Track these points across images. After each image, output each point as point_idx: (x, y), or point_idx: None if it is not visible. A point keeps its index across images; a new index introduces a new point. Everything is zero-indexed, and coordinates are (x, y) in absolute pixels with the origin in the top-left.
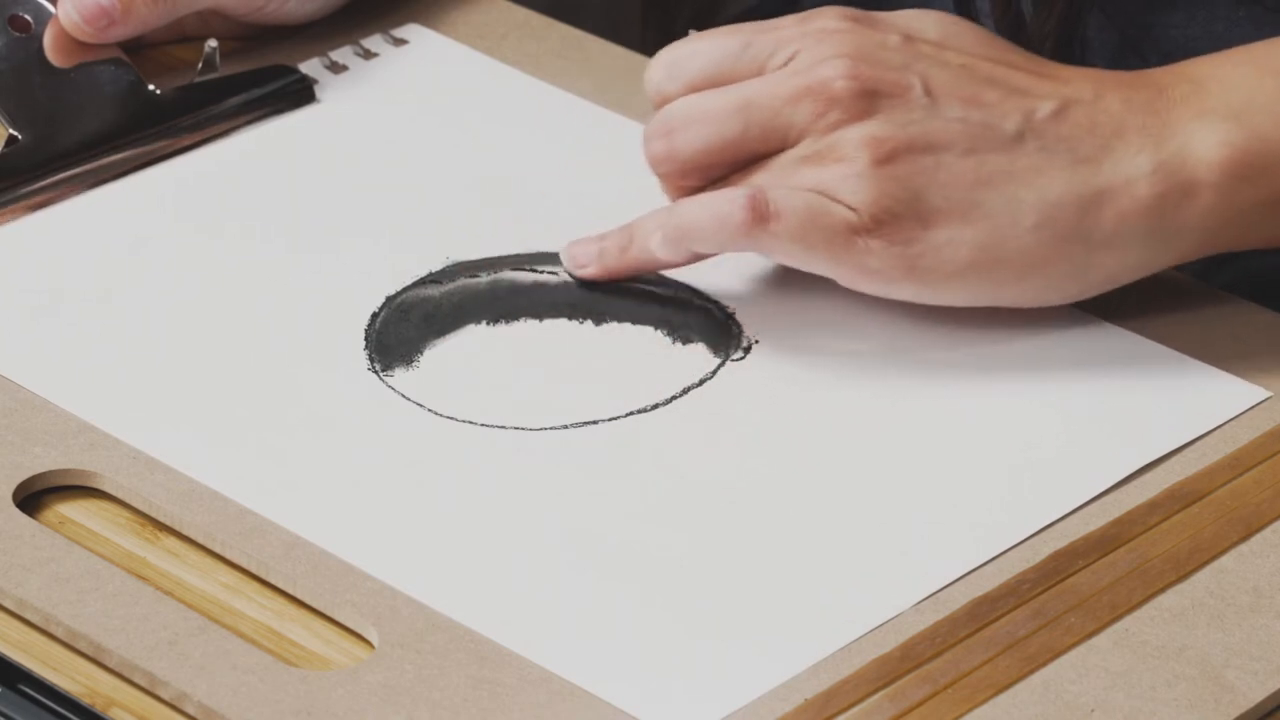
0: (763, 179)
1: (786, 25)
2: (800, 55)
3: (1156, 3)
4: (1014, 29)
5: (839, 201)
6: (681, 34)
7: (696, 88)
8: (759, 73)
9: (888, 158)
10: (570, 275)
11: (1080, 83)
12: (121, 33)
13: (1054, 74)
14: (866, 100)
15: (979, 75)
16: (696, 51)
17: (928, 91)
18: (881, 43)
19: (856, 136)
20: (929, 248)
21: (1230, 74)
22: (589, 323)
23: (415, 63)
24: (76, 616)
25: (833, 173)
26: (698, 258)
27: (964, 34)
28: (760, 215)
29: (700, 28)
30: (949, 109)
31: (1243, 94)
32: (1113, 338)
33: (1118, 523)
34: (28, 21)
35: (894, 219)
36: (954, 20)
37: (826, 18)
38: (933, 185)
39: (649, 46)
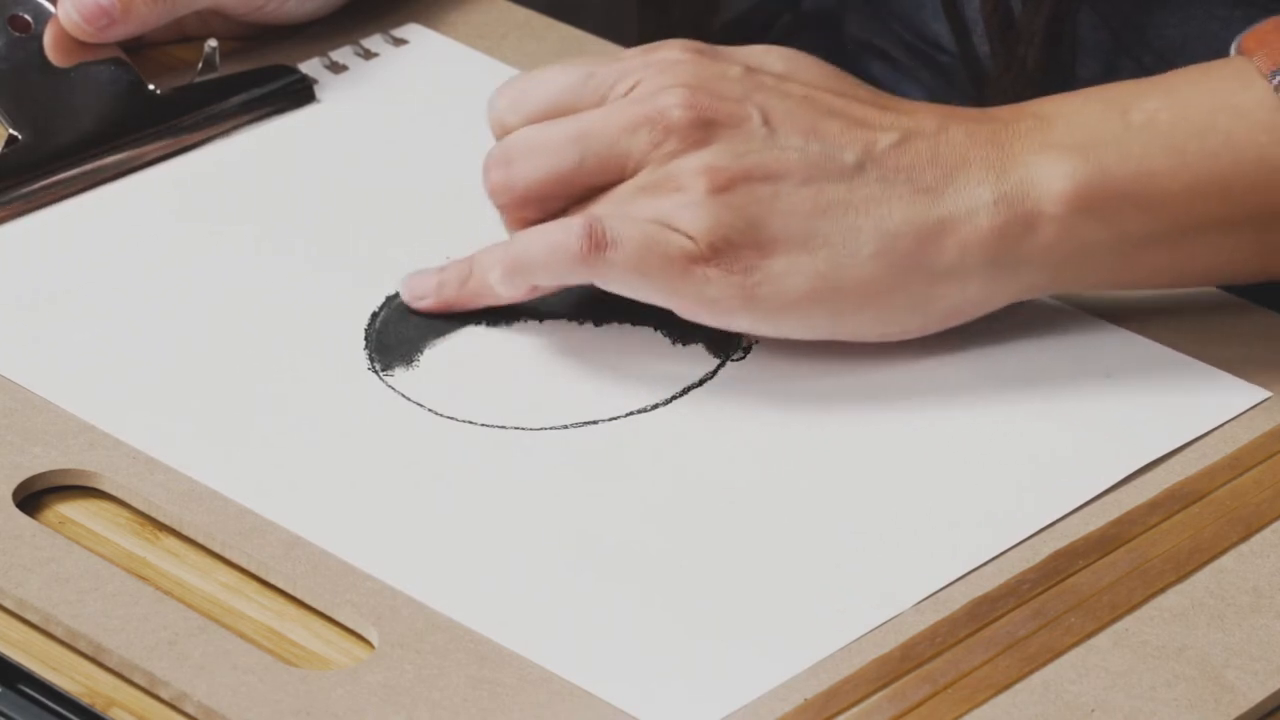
0: (600, 209)
1: (630, 56)
2: (640, 85)
3: (1151, 2)
4: (1003, 25)
5: (677, 230)
6: (682, 35)
7: (536, 119)
8: (600, 103)
9: (724, 186)
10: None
11: (924, 116)
12: (121, 32)
13: (897, 107)
14: (703, 130)
15: (820, 107)
16: (539, 83)
17: (766, 122)
18: (721, 73)
19: (693, 165)
20: (767, 276)
21: (1076, 110)
22: (589, 323)
23: (415, 63)
24: (76, 616)
25: (670, 202)
26: (537, 291)
27: (809, 68)
28: (597, 244)
29: (698, 30)
30: (787, 139)
31: (1088, 129)
32: (1112, 338)
33: (1118, 523)
34: (28, 21)
35: (731, 247)
36: (801, 55)
37: (670, 49)
38: (771, 214)
39: None
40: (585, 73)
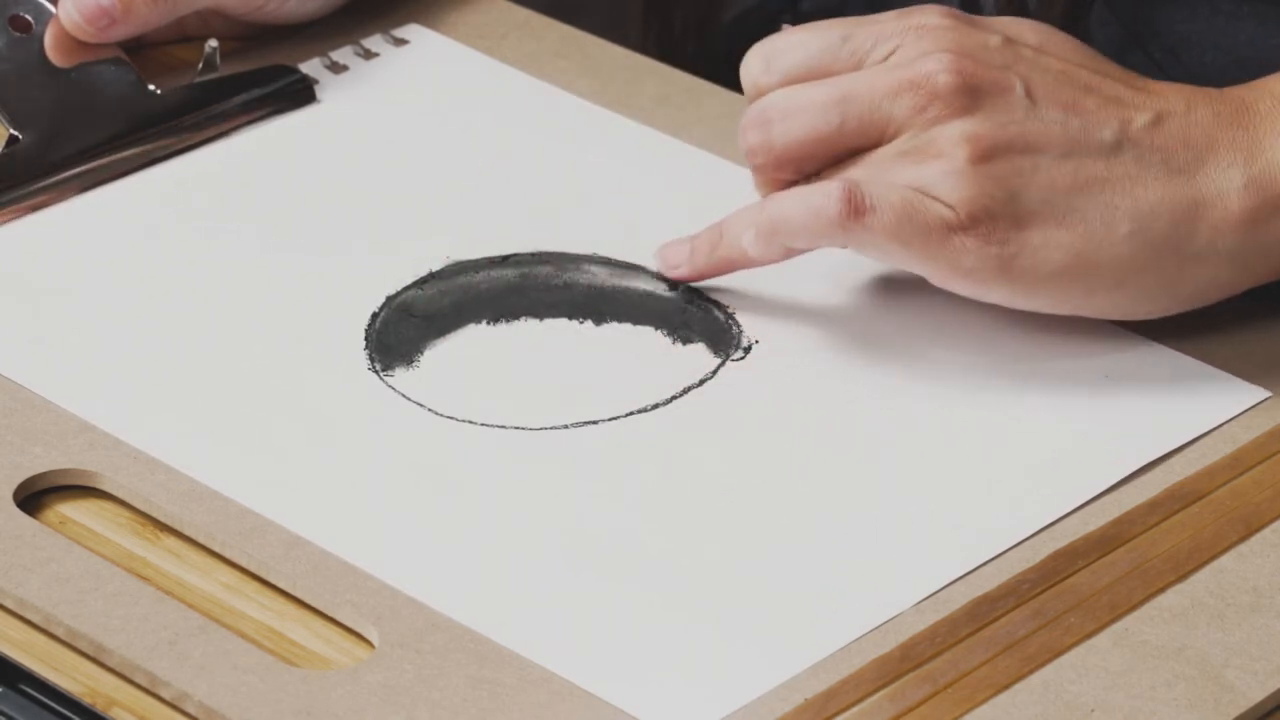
0: (858, 173)
1: (886, 20)
2: (901, 50)
3: None
4: None
5: (936, 198)
6: (681, 34)
7: (794, 80)
8: (857, 66)
9: (986, 156)
10: (569, 278)
11: (1171, 96)
12: (122, 32)
13: (1145, 86)
14: (968, 97)
15: (1077, 82)
16: (794, 44)
17: (1028, 93)
18: (983, 42)
19: (956, 133)
20: (1025, 249)
21: None
22: (589, 323)
23: (415, 63)
24: (77, 616)
25: (930, 169)
26: (790, 253)
27: (1061, 42)
28: (856, 209)
29: (700, 29)
30: (1048, 112)
31: None
32: (1113, 337)
33: (1118, 523)
34: (28, 21)
35: (990, 218)
36: (1050, 29)
37: (928, 14)
38: (1030, 187)
39: (649, 47)
40: (841, 35)
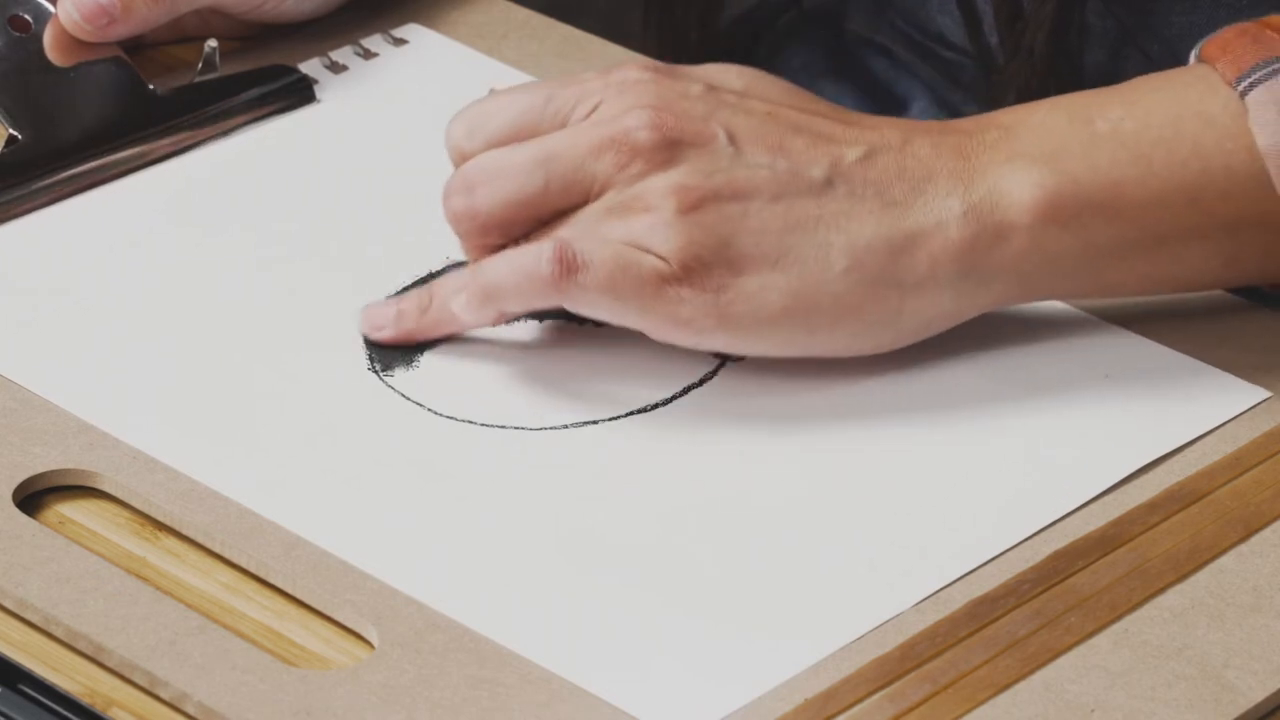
0: (567, 232)
1: (589, 79)
2: (603, 106)
3: None
4: (1012, 15)
5: (648, 251)
6: (683, 34)
7: (496, 144)
8: (561, 126)
9: (694, 205)
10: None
11: (887, 130)
12: (121, 31)
13: (859, 122)
14: (670, 150)
15: (784, 123)
16: (498, 107)
17: (732, 140)
18: (684, 92)
19: (662, 185)
20: (740, 295)
21: (1040, 121)
22: (589, 323)
23: (415, 63)
24: (76, 616)
25: (640, 223)
26: (505, 318)
27: (768, 85)
28: (568, 267)
29: (704, 27)
30: (755, 156)
31: (1054, 139)
32: (1113, 338)
33: (1118, 523)
34: (28, 21)
35: (704, 267)
36: (757, 72)
37: (629, 69)
38: (742, 232)
39: (651, 47)
40: (545, 95)
